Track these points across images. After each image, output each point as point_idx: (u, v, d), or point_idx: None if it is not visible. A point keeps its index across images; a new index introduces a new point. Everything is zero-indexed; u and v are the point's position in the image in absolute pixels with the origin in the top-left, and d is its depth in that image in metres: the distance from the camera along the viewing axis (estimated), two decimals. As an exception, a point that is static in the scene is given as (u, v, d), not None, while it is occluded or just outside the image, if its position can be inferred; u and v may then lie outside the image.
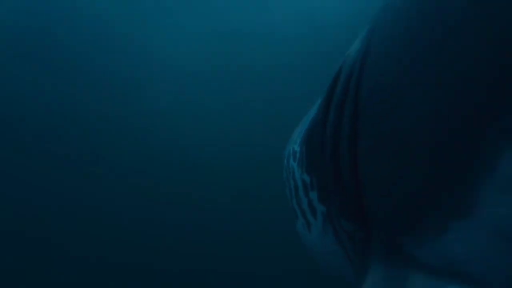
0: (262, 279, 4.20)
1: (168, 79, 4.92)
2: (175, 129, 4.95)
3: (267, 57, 4.97)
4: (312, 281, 4.02)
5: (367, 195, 0.49)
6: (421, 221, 0.40)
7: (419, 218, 0.40)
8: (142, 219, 4.52)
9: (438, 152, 0.39)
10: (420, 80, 0.41)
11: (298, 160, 0.69)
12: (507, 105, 0.32)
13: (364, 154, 0.48)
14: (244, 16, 4.76)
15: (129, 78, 4.77)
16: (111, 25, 4.55)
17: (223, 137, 5.01)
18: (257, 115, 4.99)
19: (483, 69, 0.33)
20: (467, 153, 0.36)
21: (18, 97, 4.38)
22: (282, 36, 4.88)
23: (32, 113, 4.43)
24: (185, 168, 4.86)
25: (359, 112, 0.51)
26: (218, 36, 4.88)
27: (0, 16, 4.09)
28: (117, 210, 4.46)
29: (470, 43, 0.35)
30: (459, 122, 0.37)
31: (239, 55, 4.97)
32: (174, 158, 4.89)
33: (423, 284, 0.40)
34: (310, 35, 4.71)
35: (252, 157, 4.77)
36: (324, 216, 0.62)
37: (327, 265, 0.65)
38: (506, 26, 0.32)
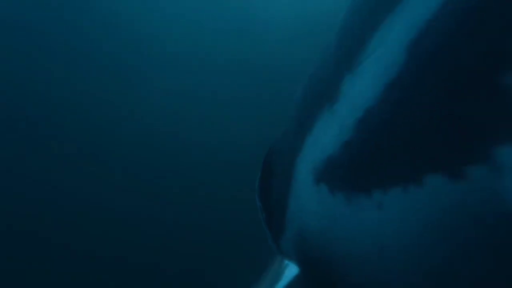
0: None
1: (169, 77, 4.91)
2: (176, 128, 4.94)
3: (269, 52, 4.95)
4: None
5: (269, 219, 1.03)
6: (278, 237, 0.94)
7: (277, 235, 0.95)
8: (142, 218, 4.51)
9: (275, 203, 0.95)
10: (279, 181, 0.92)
11: (256, 194, 1.25)
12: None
13: (271, 200, 1.00)
14: (244, 9, 4.74)
15: (127, 77, 4.75)
16: (114, 20, 4.53)
17: (224, 136, 4.99)
18: (259, 114, 4.98)
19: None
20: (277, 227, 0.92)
21: (16, 89, 4.38)
22: (283, 30, 4.86)
23: (33, 109, 4.43)
24: (185, 168, 4.85)
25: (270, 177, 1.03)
26: (219, 30, 4.87)
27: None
28: (116, 209, 4.45)
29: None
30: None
31: (241, 50, 4.95)
32: (174, 157, 4.88)
33: (285, 262, 0.96)
34: (311, 27, 4.69)
35: (254, 157, 4.75)
36: (267, 225, 1.11)
37: None
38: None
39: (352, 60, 0.53)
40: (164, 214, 4.55)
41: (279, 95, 4.81)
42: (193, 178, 4.79)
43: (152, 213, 4.55)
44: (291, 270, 0.91)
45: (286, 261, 0.96)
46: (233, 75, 5.08)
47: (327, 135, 0.59)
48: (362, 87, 0.50)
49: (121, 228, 4.35)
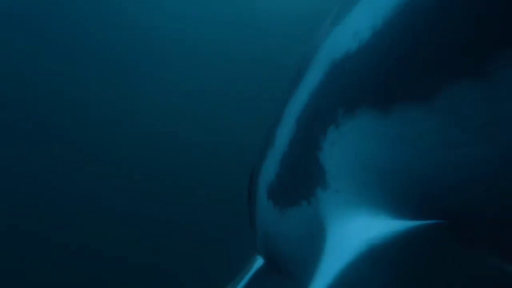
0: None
1: (169, 75, 4.91)
2: (176, 128, 4.93)
3: (271, 52, 4.94)
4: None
5: (251, 218, 1.17)
6: (255, 237, 1.19)
7: (255, 236, 1.19)
8: (142, 218, 4.51)
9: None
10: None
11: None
12: None
13: (254, 208, 1.11)
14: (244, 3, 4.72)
15: (126, 75, 4.75)
16: (113, 13, 4.53)
17: (224, 136, 4.98)
18: (260, 114, 4.97)
19: None
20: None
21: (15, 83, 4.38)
22: (285, 29, 4.85)
23: (32, 108, 4.43)
24: (185, 168, 4.84)
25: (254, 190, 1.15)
26: (220, 29, 4.86)
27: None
28: (116, 209, 4.45)
29: None
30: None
31: (242, 50, 4.94)
32: (174, 157, 4.87)
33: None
34: (314, 23, 4.67)
35: (254, 157, 4.73)
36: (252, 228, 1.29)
37: None
38: None
39: (279, 118, 0.82)
40: (163, 214, 4.55)
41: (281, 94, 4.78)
42: (192, 178, 4.78)
43: (152, 213, 4.55)
44: (258, 262, 1.21)
45: (258, 256, 1.25)
46: (234, 74, 5.07)
47: (271, 166, 0.88)
48: (281, 138, 0.79)
49: (121, 228, 4.35)
